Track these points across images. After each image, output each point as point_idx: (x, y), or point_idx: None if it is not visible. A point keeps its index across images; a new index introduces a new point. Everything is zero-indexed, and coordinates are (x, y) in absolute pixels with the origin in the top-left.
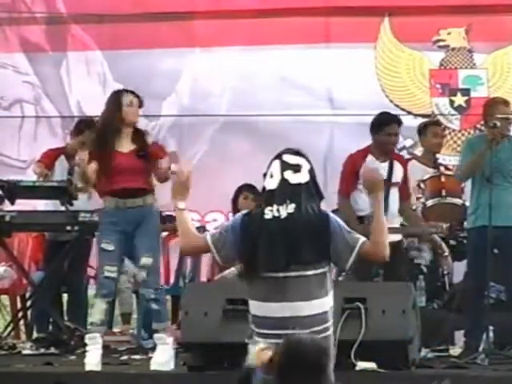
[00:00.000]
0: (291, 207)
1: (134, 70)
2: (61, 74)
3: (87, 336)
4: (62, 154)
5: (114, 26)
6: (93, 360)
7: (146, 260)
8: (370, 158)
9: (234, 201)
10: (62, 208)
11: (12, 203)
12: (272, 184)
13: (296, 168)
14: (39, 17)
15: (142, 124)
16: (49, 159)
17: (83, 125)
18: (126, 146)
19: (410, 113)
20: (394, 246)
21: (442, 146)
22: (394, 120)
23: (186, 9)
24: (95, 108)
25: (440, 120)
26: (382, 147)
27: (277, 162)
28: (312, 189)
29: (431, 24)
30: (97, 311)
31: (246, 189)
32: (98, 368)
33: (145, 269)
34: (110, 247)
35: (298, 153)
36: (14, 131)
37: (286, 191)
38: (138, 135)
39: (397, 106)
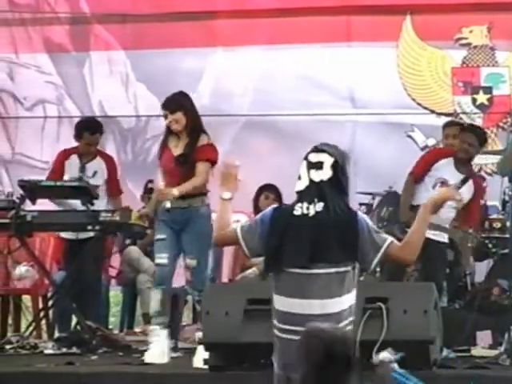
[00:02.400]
0: (319, 206)
1: (157, 69)
2: (83, 74)
3: (149, 329)
4: (74, 153)
5: (136, 25)
6: (151, 353)
7: (189, 261)
8: (449, 159)
9: (255, 201)
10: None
11: (33, 203)
12: (300, 185)
13: (318, 165)
14: (62, 17)
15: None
16: (60, 166)
17: (82, 127)
18: (179, 149)
19: (432, 111)
20: (440, 246)
21: (454, 146)
22: (469, 130)
23: (207, 8)
24: (117, 108)
25: (455, 120)
26: (457, 152)
27: (304, 163)
28: (336, 184)
29: (453, 22)
30: (153, 303)
31: (267, 188)
32: (160, 361)
33: (189, 270)
34: (162, 236)
35: (321, 149)
36: (37, 132)
37: (312, 190)
38: (192, 141)
39: (419, 104)
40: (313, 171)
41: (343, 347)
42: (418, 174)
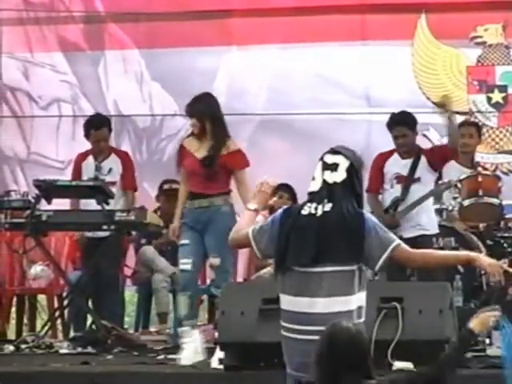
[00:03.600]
0: (328, 206)
1: (171, 68)
2: (98, 73)
3: (179, 330)
4: (90, 154)
5: (151, 24)
6: (186, 354)
7: (213, 260)
8: (394, 156)
9: None
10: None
11: (49, 202)
12: (314, 186)
13: (333, 167)
14: (77, 16)
15: (179, 123)
16: (77, 167)
17: (87, 125)
18: (202, 151)
19: None
20: (426, 242)
21: (469, 145)
22: (396, 123)
23: (222, 7)
24: (132, 107)
25: (469, 120)
26: (397, 149)
27: (319, 164)
28: (348, 187)
29: (468, 20)
30: (181, 307)
31: (281, 188)
32: (191, 362)
33: (213, 268)
34: (185, 241)
35: (337, 151)
36: (52, 131)
37: (324, 191)
38: (215, 144)
39: (434, 103)
40: (327, 172)
41: (352, 347)
42: (375, 188)
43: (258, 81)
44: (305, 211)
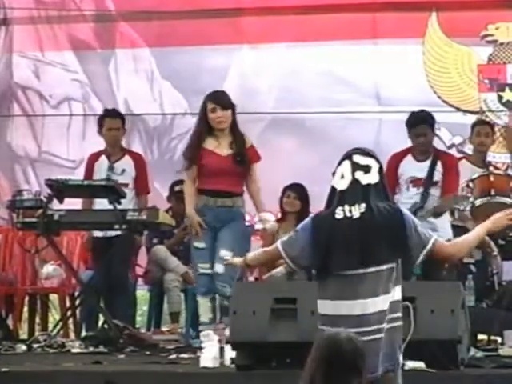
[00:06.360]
0: (362, 207)
1: (182, 66)
2: (109, 72)
3: (201, 334)
4: (103, 154)
5: (161, 23)
6: (207, 356)
7: (224, 253)
8: (408, 157)
9: (281, 200)
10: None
11: (61, 202)
12: (343, 184)
13: (366, 169)
14: (88, 14)
15: (189, 122)
16: (90, 166)
17: (102, 115)
18: (223, 148)
19: (458, 109)
20: None
21: (485, 145)
22: (420, 121)
23: (233, 5)
24: (143, 106)
25: (485, 119)
26: (415, 148)
27: (347, 163)
28: (381, 189)
29: (479, 19)
30: (203, 310)
31: (290, 188)
32: (213, 364)
33: (222, 261)
34: (201, 245)
35: (367, 153)
36: (63, 130)
37: (357, 191)
38: (237, 140)
39: (445, 102)
40: (359, 173)
41: (352, 357)
42: (391, 189)
43: (268, 79)
44: (339, 215)
